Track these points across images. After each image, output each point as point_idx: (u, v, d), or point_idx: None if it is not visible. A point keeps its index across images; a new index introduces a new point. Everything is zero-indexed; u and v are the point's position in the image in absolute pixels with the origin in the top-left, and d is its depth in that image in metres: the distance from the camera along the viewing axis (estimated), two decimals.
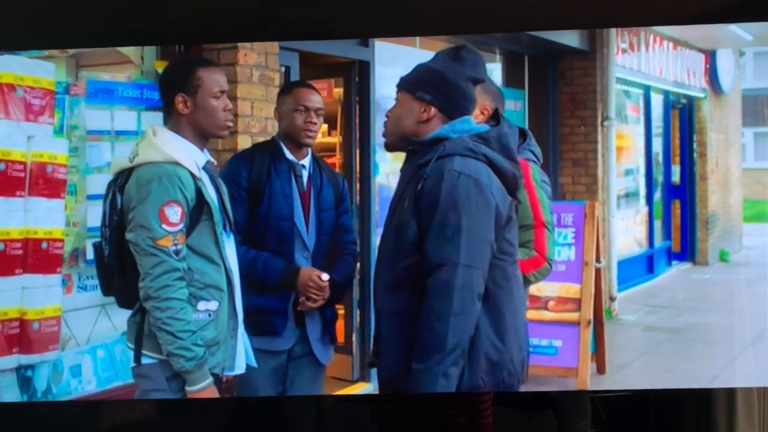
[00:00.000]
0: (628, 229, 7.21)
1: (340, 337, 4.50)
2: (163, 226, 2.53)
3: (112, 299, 2.76)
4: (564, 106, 6.58)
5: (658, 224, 7.76)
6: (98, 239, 2.69)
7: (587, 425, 3.26)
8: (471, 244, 2.37)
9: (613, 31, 6.38)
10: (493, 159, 2.47)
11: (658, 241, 7.74)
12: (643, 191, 7.54)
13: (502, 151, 2.50)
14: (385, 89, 4.83)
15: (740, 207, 8.19)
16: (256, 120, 3.94)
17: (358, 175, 4.93)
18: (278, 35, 3.67)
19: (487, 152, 2.47)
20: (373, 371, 3.03)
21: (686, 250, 7.96)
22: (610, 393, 3.63)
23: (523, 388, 2.57)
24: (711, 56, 7.91)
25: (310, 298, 3.00)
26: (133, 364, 2.63)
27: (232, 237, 2.76)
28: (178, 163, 2.59)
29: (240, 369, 2.77)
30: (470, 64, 2.56)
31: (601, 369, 4.92)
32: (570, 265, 4.83)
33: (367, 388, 4.79)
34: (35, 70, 3.32)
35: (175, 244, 2.55)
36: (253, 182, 3.03)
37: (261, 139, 3.67)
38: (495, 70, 6.26)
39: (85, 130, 3.55)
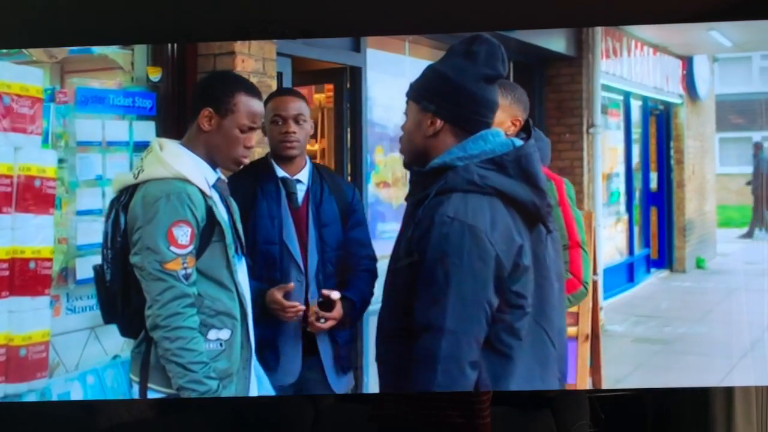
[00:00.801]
0: (610, 237, 7.16)
1: None
2: (172, 248, 2.35)
3: (101, 321, 2.57)
4: (551, 113, 6.48)
5: (637, 231, 7.73)
6: (99, 262, 2.50)
7: (585, 425, 3.21)
8: (460, 306, 2.05)
9: (599, 35, 6.30)
10: (505, 191, 2.11)
11: (638, 249, 7.70)
12: (623, 198, 7.50)
13: (521, 177, 2.13)
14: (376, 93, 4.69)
15: (715, 214, 8.22)
16: None
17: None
18: (276, 34, 3.52)
19: (498, 184, 2.10)
20: (373, 371, 2.87)
21: (664, 258, 7.93)
22: (608, 392, 3.58)
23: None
24: (688, 62, 7.89)
25: (287, 318, 2.79)
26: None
27: (244, 261, 2.56)
28: (187, 180, 2.40)
29: None
30: (484, 59, 2.16)
31: (597, 384, 4.83)
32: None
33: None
34: (24, 76, 3.08)
35: (185, 268, 2.37)
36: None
37: (260, 149, 3.49)
38: None
39: (75, 141, 3.31)
